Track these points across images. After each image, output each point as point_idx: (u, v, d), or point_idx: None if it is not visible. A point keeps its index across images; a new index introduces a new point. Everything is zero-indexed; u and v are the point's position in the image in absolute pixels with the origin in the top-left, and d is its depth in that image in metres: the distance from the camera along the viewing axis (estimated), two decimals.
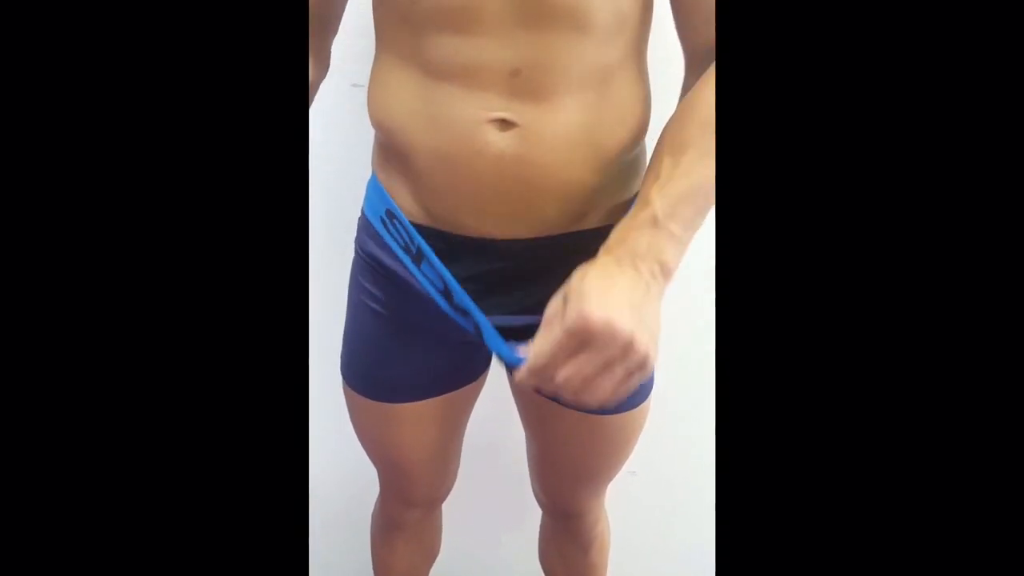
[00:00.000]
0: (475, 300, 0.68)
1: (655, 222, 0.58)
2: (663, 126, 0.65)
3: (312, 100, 0.74)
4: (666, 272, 0.59)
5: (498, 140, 0.63)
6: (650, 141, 0.70)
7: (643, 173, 0.72)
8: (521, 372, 0.58)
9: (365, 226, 0.77)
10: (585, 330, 0.54)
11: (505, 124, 0.63)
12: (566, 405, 0.56)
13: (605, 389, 0.55)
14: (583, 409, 0.63)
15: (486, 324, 0.60)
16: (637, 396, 0.78)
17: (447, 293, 0.62)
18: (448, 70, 0.63)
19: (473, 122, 0.63)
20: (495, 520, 1.28)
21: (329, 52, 0.77)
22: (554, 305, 0.58)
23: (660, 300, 0.59)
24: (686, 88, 0.70)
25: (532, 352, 0.57)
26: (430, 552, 1.04)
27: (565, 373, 0.55)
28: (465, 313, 0.61)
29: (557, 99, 0.63)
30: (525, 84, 0.62)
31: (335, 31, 0.76)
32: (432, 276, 0.63)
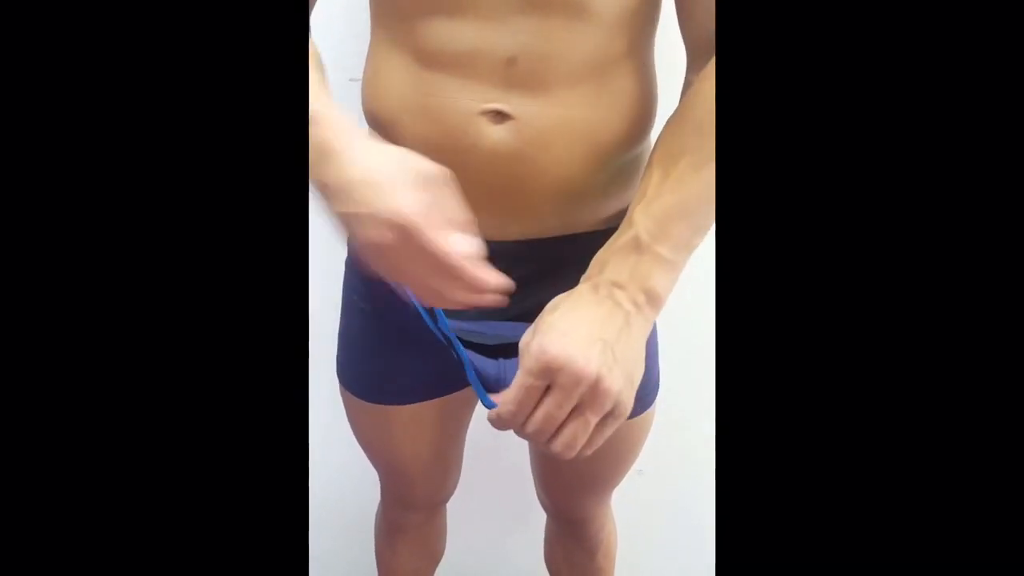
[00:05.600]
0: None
1: (638, 245, 0.54)
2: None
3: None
4: (654, 300, 0.54)
5: (492, 133, 0.60)
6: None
7: None
8: (491, 419, 0.54)
9: None
10: (545, 369, 0.50)
11: (500, 116, 0.60)
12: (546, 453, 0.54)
13: (576, 436, 0.51)
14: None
15: (467, 362, 0.57)
16: (642, 402, 0.76)
17: (432, 313, 0.60)
18: (441, 57, 0.60)
19: (466, 114, 0.60)
20: (500, 522, 1.27)
21: None
22: (525, 338, 0.54)
23: (644, 332, 0.54)
24: (687, 85, 0.66)
25: (502, 397, 0.53)
26: (434, 555, 1.02)
27: (535, 421, 0.51)
28: (449, 343, 0.58)
29: (555, 91, 0.60)
30: (522, 74, 0.59)
31: None
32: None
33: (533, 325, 0.54)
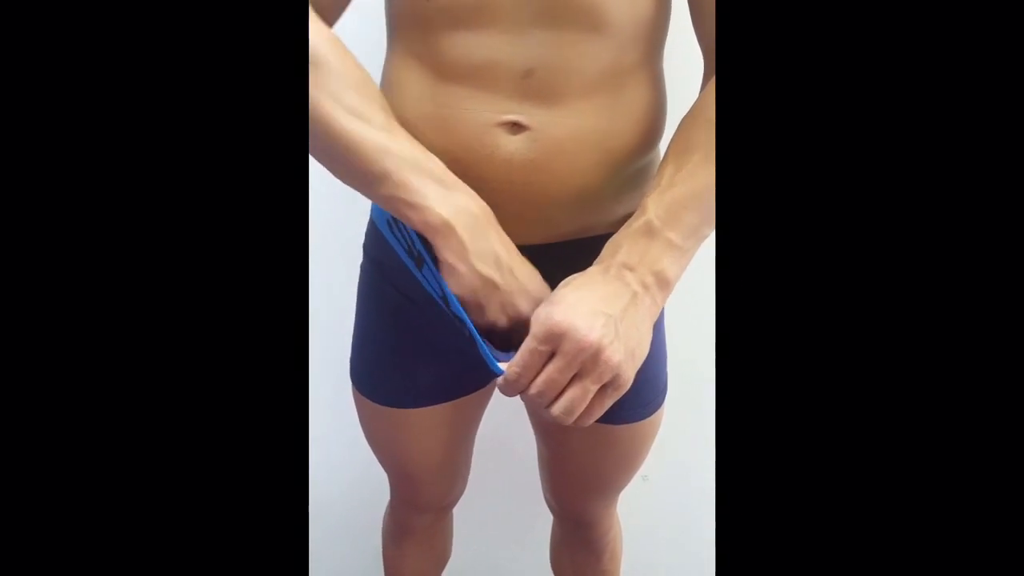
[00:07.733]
0: None
1: (650, 230, 0.57)
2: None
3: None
4: (663, 283, 0.57)
5: (508, 144, 0.61)
6: (665, 147, 0.67)
7: None
8: (499, 384, 0.57)
9: (373, 230, 0.75)
10: (549, 334, 0.53)
11: (516, 127, 0.61)
12: (549, 421, 0.57)
13: (574, 402, 0.54)
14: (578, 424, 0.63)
15: (476, 334, 0.60)
16: (650, 406, 0.77)
17: (445, 299, 0.61)
18: (460, 70, 0.61)
19: (483, 125, 0.61)
20: (507, 525, 1.27)
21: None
22: (538, 309, 0.57)
23: (651, 313, 0.58)
24: (703, 86, 0.68)
25: (510, 363, 0.56)
26: (441, 557, 1.03)
27: (537, 384, 0.54)
28: (460, 322, 0.59)
29: (570, 102, 0.61)
30: (538, 85, 0.60)
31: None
32: (432, 282, 0.62)
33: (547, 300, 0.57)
